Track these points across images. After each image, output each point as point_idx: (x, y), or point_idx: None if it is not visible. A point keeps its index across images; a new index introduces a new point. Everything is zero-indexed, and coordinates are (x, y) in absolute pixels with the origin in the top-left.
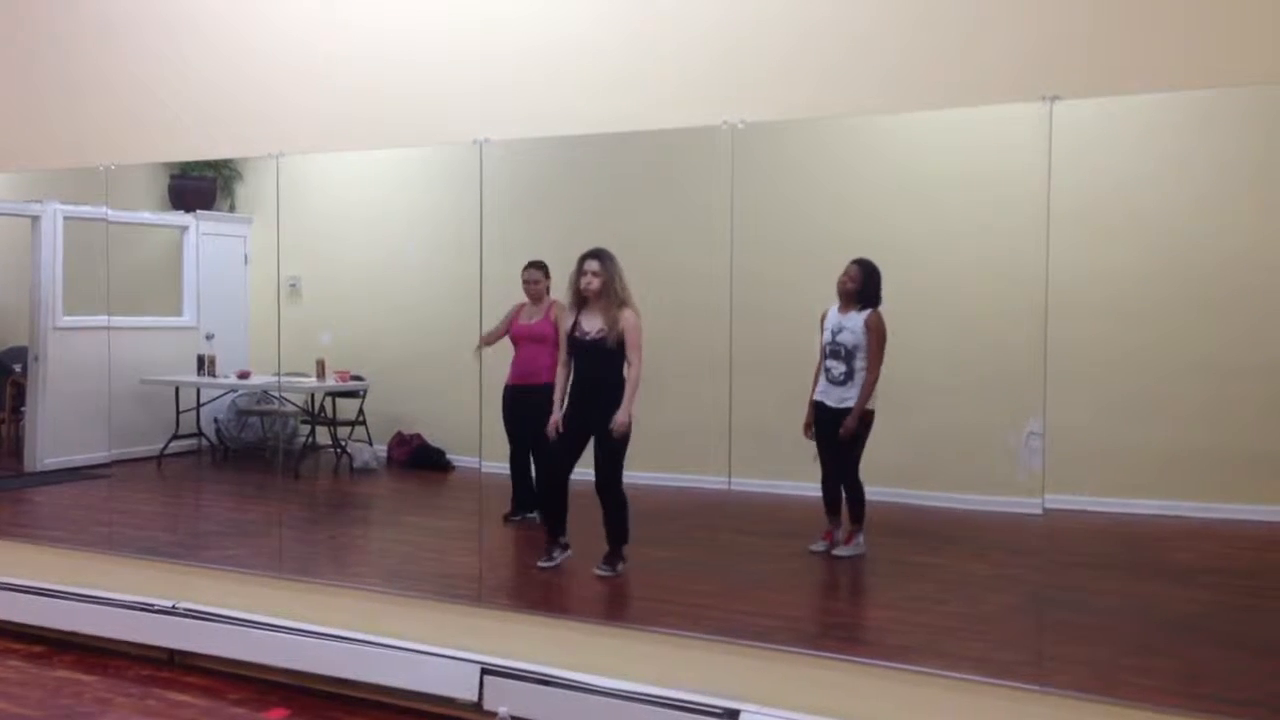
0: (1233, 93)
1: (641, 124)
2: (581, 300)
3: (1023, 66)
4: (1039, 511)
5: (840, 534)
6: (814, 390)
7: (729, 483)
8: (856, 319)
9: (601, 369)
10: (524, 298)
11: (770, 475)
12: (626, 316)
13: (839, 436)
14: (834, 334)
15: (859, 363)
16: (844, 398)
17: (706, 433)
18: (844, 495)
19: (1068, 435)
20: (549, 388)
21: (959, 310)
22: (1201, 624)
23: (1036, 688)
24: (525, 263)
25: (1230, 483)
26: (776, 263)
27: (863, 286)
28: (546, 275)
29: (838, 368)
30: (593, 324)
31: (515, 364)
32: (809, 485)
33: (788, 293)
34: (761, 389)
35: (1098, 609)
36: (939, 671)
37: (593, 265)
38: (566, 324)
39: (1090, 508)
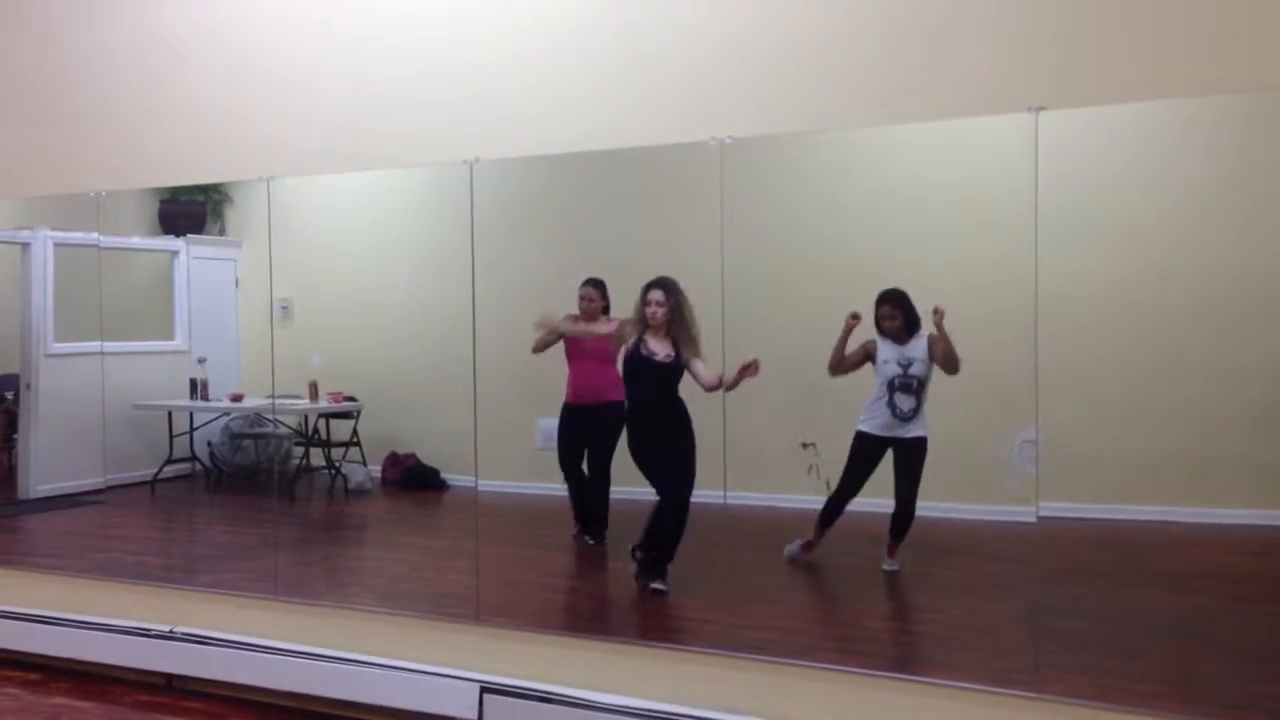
0: (1217, 101)
1: (630, 141)
2: (649, 329)
3: (1009, 78)
4: (1033, 520)
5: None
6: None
7: (724, 496)
8: (920, 346)
9: (664, 391)
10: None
11: (767, 489)
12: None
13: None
14: (905, 367)
15: (925, 393)
16: (911, 429)
17: (702, 446)
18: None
19: (1059, 443)
20: (608, 405)
21: (950, 320)
22: (1195, 629)
23: (1033, 695)
24: (583, 278)
25: (1220, 488)
26: (767, 275)
27: (906, 317)
28: (603, 294)
29: (908, 403)
30: (661, 348)
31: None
32: (805, 498)
33: (780, 304)
34: (756, 402)
35: (1092, 616)
36: (936, 681)
37: (657, 295)
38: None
39: (1083, 515)
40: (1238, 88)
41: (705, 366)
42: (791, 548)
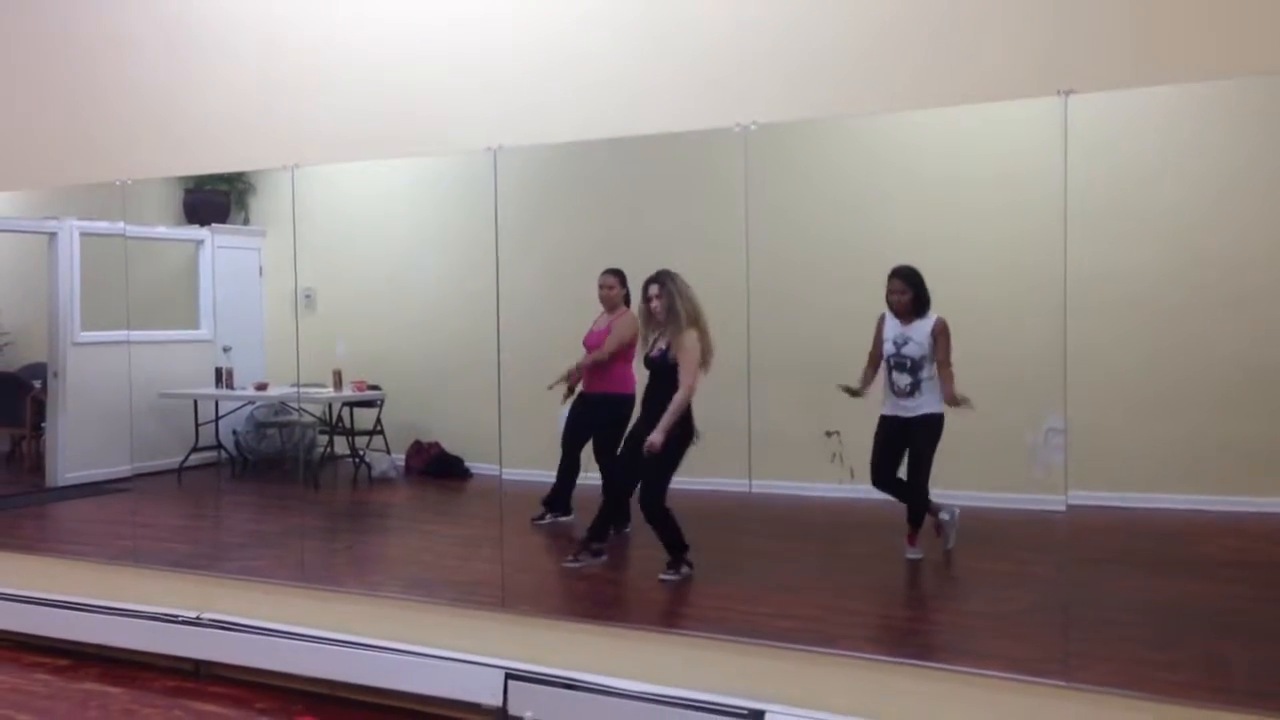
0: (1250, 83)
1: (655, 127)
2: (655, 323)
3: (1037, 61)
4: (1062, 508)
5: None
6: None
7: (749, 485)
8: (922, 329)
9: (660, 388)
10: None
11: (791, 477)
12: (685, 337)
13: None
14: (899, 346)
15: (925, 373)
16: (915, 407)
17: (726, 436)
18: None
19: (1088, 431)
20: (604, 397)
21: (977, 307)
22: (1227, 618)
23: (1062, 683)
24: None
25: (1253, 476)
26: (792, 263)
27: (915, 295)
28: (622, 283)
29: (903, 380)
30: (659, 343)
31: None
32: (829, 487)
33: (804, 293)
34: (780, 391)
35: (1123, 605)
36: (964, 669)
37: (653, 289)
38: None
39: (1113, 503)
40: (1276, 68)
41: (688, 368)
42: (912, 552)
